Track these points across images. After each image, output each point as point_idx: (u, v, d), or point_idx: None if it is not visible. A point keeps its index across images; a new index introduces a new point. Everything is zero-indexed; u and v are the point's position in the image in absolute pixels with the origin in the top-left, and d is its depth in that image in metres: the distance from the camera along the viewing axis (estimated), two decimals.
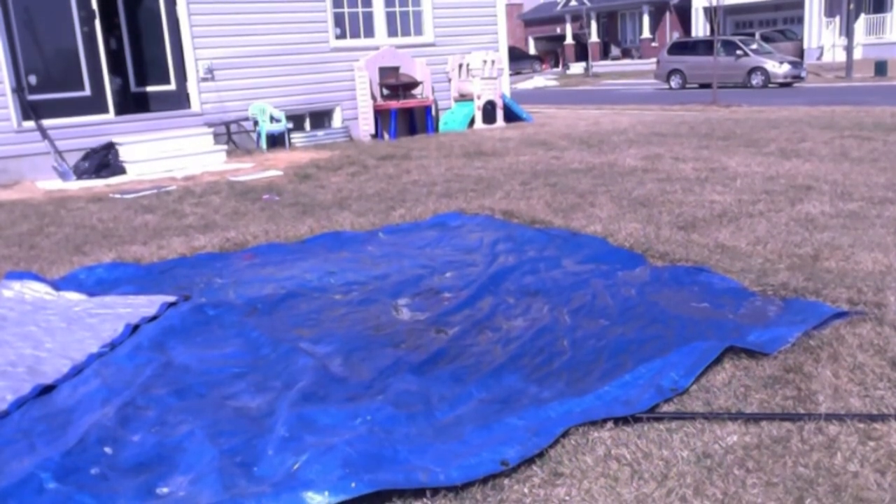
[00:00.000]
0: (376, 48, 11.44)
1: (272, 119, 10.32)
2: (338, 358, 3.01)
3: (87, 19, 9.25)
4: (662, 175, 6.85)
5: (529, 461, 2.19)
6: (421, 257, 4.52)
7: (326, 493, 1.99)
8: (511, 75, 15.24)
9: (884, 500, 1.95)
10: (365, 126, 11.33)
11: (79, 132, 9.13)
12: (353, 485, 2.00)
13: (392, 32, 11.81)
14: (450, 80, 12.30)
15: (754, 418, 2.37)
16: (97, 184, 8.37)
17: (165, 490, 2.14)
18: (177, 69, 10.16)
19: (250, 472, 2.18)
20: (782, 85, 21.47)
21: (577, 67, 39.57)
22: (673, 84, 23.57)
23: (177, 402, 2.67)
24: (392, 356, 3.00)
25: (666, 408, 2.49)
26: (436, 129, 11.99)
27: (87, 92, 9.40)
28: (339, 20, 11.29)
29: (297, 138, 10.79)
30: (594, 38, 42.84)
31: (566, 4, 43.97)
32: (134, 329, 3.44)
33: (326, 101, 11.23)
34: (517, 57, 38.64)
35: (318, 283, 4.08)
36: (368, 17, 11.60)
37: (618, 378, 2.68)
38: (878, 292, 3.39)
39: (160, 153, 9.17)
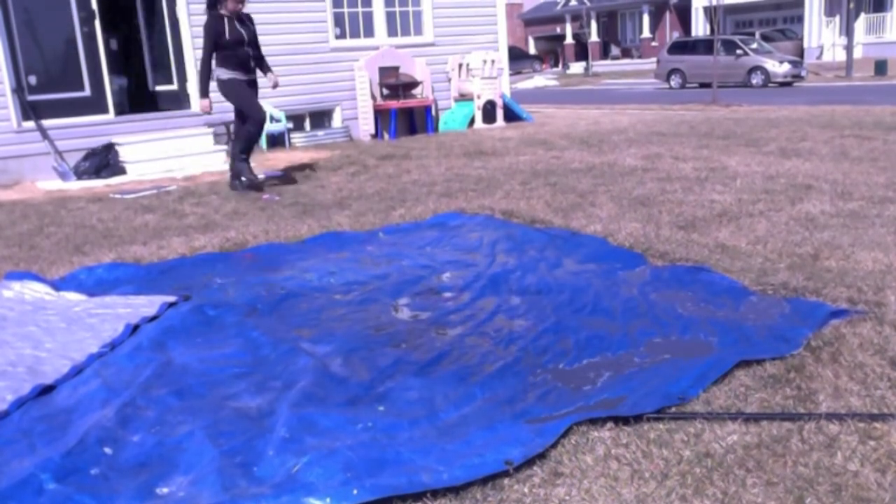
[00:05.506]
0: (376, 48, 11.43)
1: (272, 119, 10.32)
2: (338, 358, 3.01)
3: (87, 19, 9.25)
4: (662, 174, 6.85)
5: (529, 461, 2.19)
6: (421, 257, 4.52)
7: (328, 499, 1.98)
8: (511, 75, 15.23)
9: (884, 500, 1.95)
10: (365, 126, 11.33)
11: (79, 132, 9.13)
12: (354, 491, 2.00)
13: (392, 32, 11.80)
14: (450, 80, 12.30)
15: (754, 418, 2.37)
16: (97, 184, 8.37)
17: (165, 490, 2.14)
18: (177, 69, 10.17)
19: (250, 472, 2.18)
20: (782, 84, 21.47)
21: (577, 67, 39.57)
22: (673, 83, 23.57)
23: (177, 403, 2.67)
24: (392, 356, 3.00)
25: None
26: (436, 129, 11.99)
27: (87, 92, 9.40)
28: (338, 20, 11.29)
29: (297, 138, 10.79)
30: (594, 37, 42.85)
31: (566, 4, 43.98)
32: (134, 329, 3.44)
33: (326, 101, 11.22)
34: (517, 56, 38.62)
35: (319, 282, 4.08)
36: (368, 17, 11.60)
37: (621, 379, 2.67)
38: (878, 291, 3.39)
39: (160, 153, 9.17)
